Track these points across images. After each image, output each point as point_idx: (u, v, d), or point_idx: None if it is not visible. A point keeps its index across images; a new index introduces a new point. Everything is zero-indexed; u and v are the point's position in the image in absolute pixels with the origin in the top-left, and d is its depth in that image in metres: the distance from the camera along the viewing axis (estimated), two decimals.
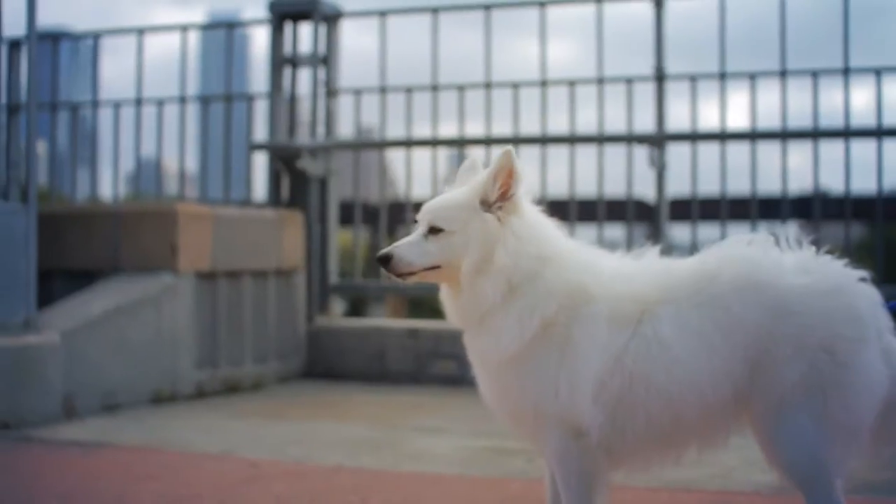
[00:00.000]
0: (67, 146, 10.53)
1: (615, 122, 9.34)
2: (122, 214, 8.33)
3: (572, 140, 9.29)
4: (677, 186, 9.80)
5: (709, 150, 9.10)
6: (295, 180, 9.72)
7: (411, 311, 13.20)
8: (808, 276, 3.57)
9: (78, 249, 8.40)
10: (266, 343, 8.99)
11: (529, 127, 9.63)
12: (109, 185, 10.74)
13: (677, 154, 9.19)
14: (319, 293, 9.73)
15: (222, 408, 7.75)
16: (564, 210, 9.39)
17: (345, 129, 10.25)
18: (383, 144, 10.06)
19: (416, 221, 3.65)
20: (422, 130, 9.79)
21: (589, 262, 3.69)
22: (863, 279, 3.64)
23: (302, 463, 5.82)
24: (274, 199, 9.72)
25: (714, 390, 3.53)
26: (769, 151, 9.15)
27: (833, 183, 10.31)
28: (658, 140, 8.96)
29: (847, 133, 8.70)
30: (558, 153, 9.45)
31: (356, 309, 16.48)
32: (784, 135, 8.86)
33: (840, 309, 3.52)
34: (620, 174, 9.26)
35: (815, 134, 8.81)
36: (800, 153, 9.12)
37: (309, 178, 9.67)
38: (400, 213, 9.72)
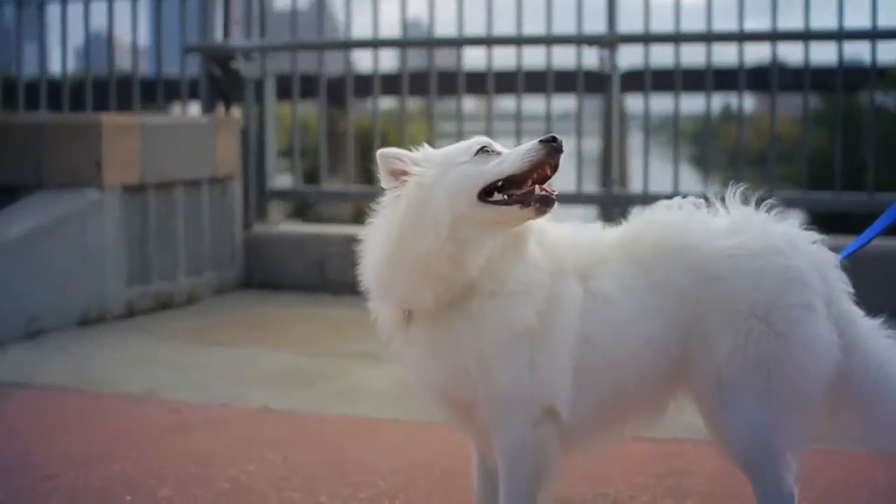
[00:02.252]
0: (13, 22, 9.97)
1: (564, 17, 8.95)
2: (44, 127, 7.89)
3: (519, 42, 8.87)
4: (630, 57, 9.61)
5: (663, 20, 8.72)
6: (230, 83, 9.29)
7: (355, 216, 12.79)
8: (738, 236, 3.25)
9: None
10: (200, 254, 8.66)
11: (474, 24, 9.24)
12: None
13: (630, 24, 8.88)
14: (257, 200, 9.38)
15: (153, 329, 7.45)
16: (512, 82, 9.05)
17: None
18: (321, 46, 9.56)
19: (483, 149, 3.14)
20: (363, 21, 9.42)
21: None
22: (813, 240, 3.35)
23: (227, 405, 5.53)
24: (209, 103, 9.30)
25: (652, 357, 3.22)
26: (727, 21, 8.78)
27: (791, 53, 10.01)
28: (609, 42, 8.57)
29: (808, 35, 8.32)
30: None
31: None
32: (742, 37, 8.48)
33: (774, 272, 3.20)
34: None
35: (774, 37, 8.45)
36: (758, 23, 8.75)
37: (244, 80, 9.24)
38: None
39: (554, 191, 3.09)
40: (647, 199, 8.12)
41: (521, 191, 3.07)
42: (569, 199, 8.55)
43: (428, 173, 3.13)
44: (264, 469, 4.48)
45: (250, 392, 5.83)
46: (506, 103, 15.77)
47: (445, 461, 4.48)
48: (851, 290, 3.35)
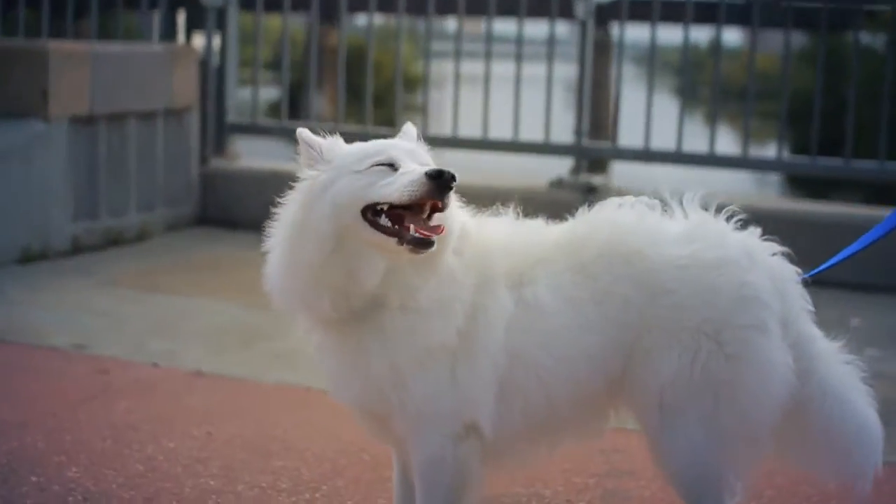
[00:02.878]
0: None
1: None
2: None
3: None
4: None
5: None
6: (191, 10, 8.92)
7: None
8: (692, 245, 2.99)
9: None
10: (153, 189, 8.33)
11: None
12: None
13: None
14: (215, 134, 9.04)
15: (96, 269, 7.16)
16: (483, 4, 8.69)
17: None
18: None
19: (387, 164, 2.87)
20: None
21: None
22: (773, 253, 3.09)
23: (158, 367, 5.27)
24: (168, 31, 8.92)
25: (590, 373, 2.98)
26: None
27: None
28: None
29: None
30: None
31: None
32: None
33: (727, 287, 2.95)
34: None
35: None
36: None
37: (205, 8, 8.85)
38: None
39: (440, 228, 2.82)
40: (619, 153, 8.06)
41: (403, 222, 2.81)
42: (536, 148, 8.28)
43: (320, 177, 2.88)
44: (184, 447, 4.25)
45: (185, 350, 5.59)
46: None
47: (374, 446, 4.21)
48: (812, 308, 3.11)
